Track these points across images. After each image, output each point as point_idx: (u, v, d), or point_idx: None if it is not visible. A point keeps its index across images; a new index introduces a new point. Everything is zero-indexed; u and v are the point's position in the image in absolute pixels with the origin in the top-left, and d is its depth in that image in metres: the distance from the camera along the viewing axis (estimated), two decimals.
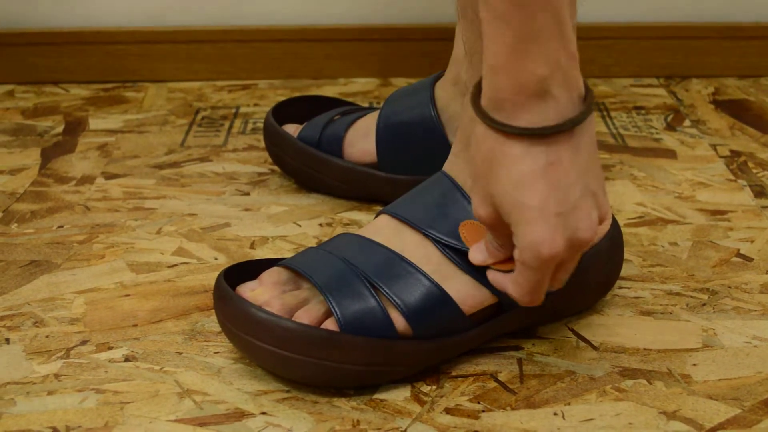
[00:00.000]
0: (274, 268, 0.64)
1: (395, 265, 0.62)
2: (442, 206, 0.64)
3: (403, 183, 0.84)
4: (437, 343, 0.62)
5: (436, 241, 0.63)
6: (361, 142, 0.87)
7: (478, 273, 0.62)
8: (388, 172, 0.86)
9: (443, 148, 0.83)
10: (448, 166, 0.67)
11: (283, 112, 0.93)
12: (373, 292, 0.61)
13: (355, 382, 0.61)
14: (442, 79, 0.86)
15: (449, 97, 0.84)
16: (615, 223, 0.70)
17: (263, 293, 0.62)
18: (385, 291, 0.61)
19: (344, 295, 0.60)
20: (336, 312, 0.60)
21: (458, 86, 0.84)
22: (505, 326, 0.65)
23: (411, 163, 0.85)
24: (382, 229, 0.65)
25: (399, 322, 0.61)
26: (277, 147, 0.89)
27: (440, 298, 0.61)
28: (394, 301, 0.61)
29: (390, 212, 0.66)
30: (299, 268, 0.62)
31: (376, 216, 0.67)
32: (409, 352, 0.61)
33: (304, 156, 0.87)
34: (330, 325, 0.60)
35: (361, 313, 0.60)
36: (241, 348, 0.61)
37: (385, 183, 0.86)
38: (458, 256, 0.63)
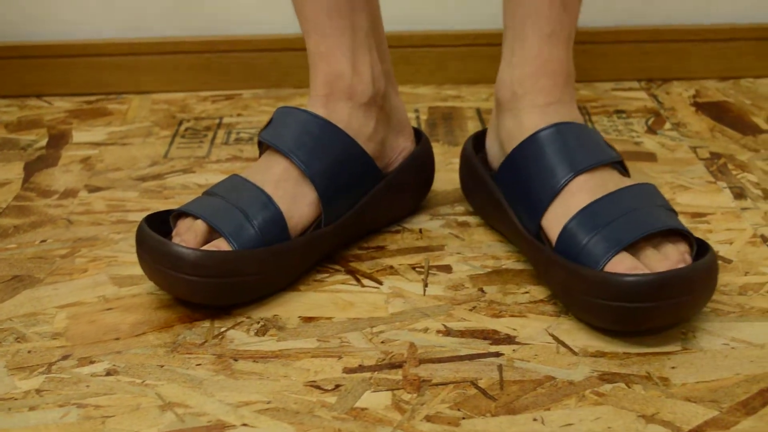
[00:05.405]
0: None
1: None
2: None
3: (348, 221, 0.79)
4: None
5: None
6: (298, 207, 0.76)
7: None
8: (333, 221, 0.77)
9: (369, 167, 0.79)
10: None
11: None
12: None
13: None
14: (328, 104, 0.79)
15: (348, 115, 0.79)
16: None
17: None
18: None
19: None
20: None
21: (354, 100, 0.79)
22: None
23: (349, 197, 0.79)
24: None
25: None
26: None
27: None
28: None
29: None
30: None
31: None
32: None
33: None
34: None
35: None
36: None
37: (333, 235, 0.78)
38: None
